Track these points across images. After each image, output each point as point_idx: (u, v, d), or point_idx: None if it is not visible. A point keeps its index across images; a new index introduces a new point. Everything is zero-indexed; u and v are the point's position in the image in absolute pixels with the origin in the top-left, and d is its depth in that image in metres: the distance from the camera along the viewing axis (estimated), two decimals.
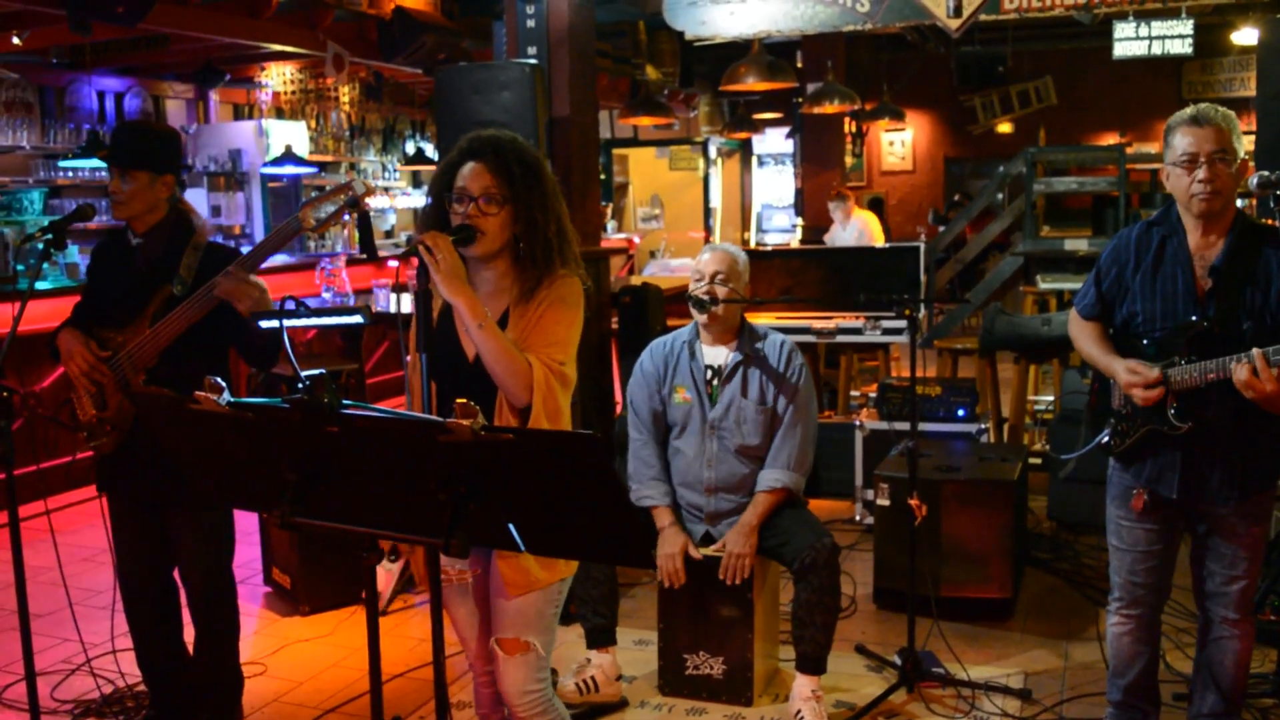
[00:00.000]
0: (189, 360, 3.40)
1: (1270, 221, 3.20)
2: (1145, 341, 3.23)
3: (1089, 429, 3.45)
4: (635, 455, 4.15)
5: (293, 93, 11.31)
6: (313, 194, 3.23)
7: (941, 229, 13.95)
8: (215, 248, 3.56)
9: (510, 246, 2.80)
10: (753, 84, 8.83)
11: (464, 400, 1.97)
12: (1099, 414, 3.40)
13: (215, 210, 10.76)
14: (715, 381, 4.07)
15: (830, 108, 10.41)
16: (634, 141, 15.75)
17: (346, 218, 3.22)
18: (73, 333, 3.48)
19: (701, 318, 4.02)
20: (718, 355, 4.08)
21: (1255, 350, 2.93)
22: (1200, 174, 3.07)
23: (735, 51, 9.48)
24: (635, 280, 8.47)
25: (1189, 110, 3.13)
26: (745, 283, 4.09)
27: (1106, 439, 3.36)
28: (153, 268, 3.47)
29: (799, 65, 11.65)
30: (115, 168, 3.44)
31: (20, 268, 7.64)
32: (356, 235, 9.79)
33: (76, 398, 3.49)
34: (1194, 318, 3.12)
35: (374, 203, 13.05)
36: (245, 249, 3.48)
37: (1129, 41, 6.01)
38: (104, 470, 3.59)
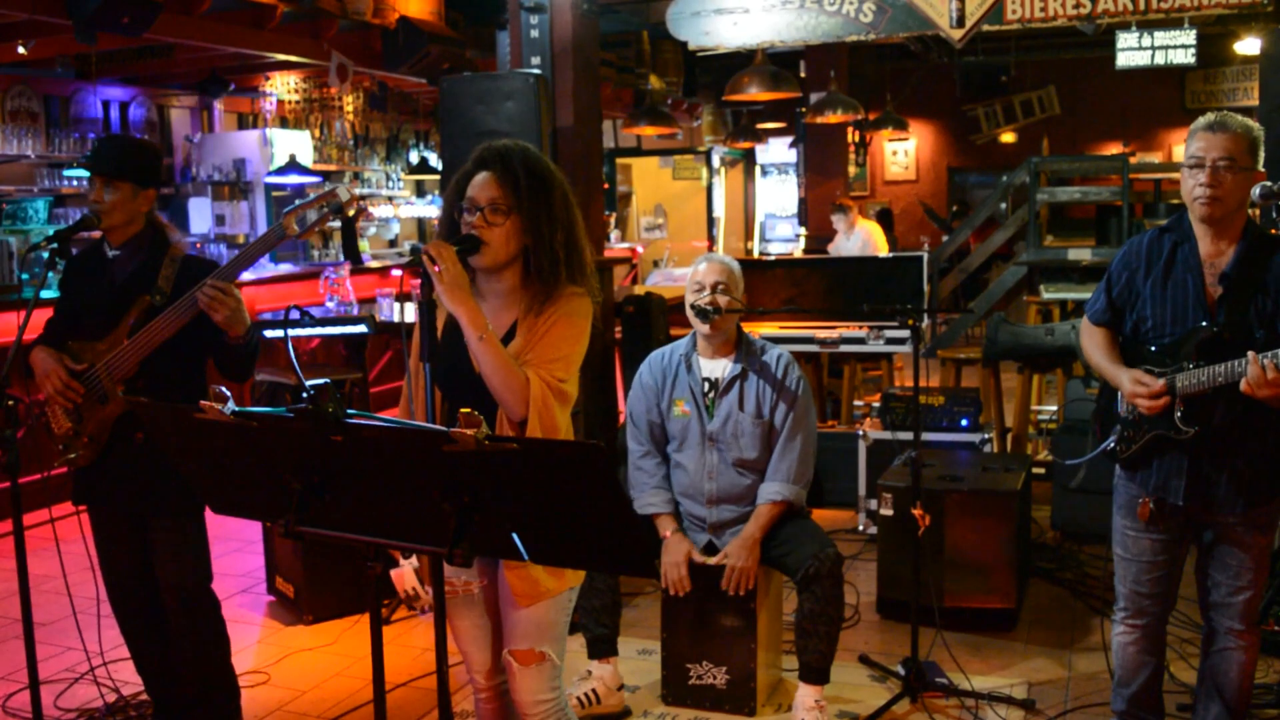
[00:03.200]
0: (168, 371, 3.41)
1: (1274, 231, 3.20)
2: (1154, 348, 3.23)
3: (1095, 436, 3.45)
4: (635, 465, 4.16)
5: (297, 102, 11.35)
6: (295, 201, 3.24)
7: (936, 224, 13.96)
8: (193, 260, 3.57)
9: (520, 259, 2.79)
10: (756, 94, 8.83)
11: (468, 410, 1.98)
12: (1105, 421, 3.40)
13: (219, 219, 10.78)
14: (712, 394, 4.07)
15: (833, 117, 10.41)
16: (637, 151, 15.77)
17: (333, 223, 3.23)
18: (45, 350, 3.48)
19: (704, 328, 4.02)
20: (715, 368, 4.08)
21: (1267, 360, 2.92)
22: (1201, 177, 3.09)
23: (739, 61, 9.50)
24: (639, 290, 8.47)
25: (1210, 115, 3.14)
26: (742, 292, 4.10)
27: (1112, 445, 3.35)
28: (130, 279, 3.47)
29: (802, 75, 11.66)
30: (98, 177, 3.44)
31: (25, 276, 7.65)
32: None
33: (51, 412, 3.49)
34: (1203, 323, 3.13)
35: (378, 212, 13.07)
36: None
37: (1132, 51, 6.01)
38: (81, 482, 3.58)
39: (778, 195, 16.31)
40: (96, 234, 3.54)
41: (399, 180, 13.70)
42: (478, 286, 2.79)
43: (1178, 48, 5.93)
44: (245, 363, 3.47)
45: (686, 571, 3.96)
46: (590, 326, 2.81)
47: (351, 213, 3.22)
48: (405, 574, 2.94)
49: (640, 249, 14.73)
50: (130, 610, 3.71)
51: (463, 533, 2.03)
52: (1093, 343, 3.40)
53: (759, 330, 6.53)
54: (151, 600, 3.68)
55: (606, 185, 14.22)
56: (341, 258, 10.75)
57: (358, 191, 12.76)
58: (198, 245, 10.43)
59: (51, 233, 3.43)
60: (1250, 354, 2.94)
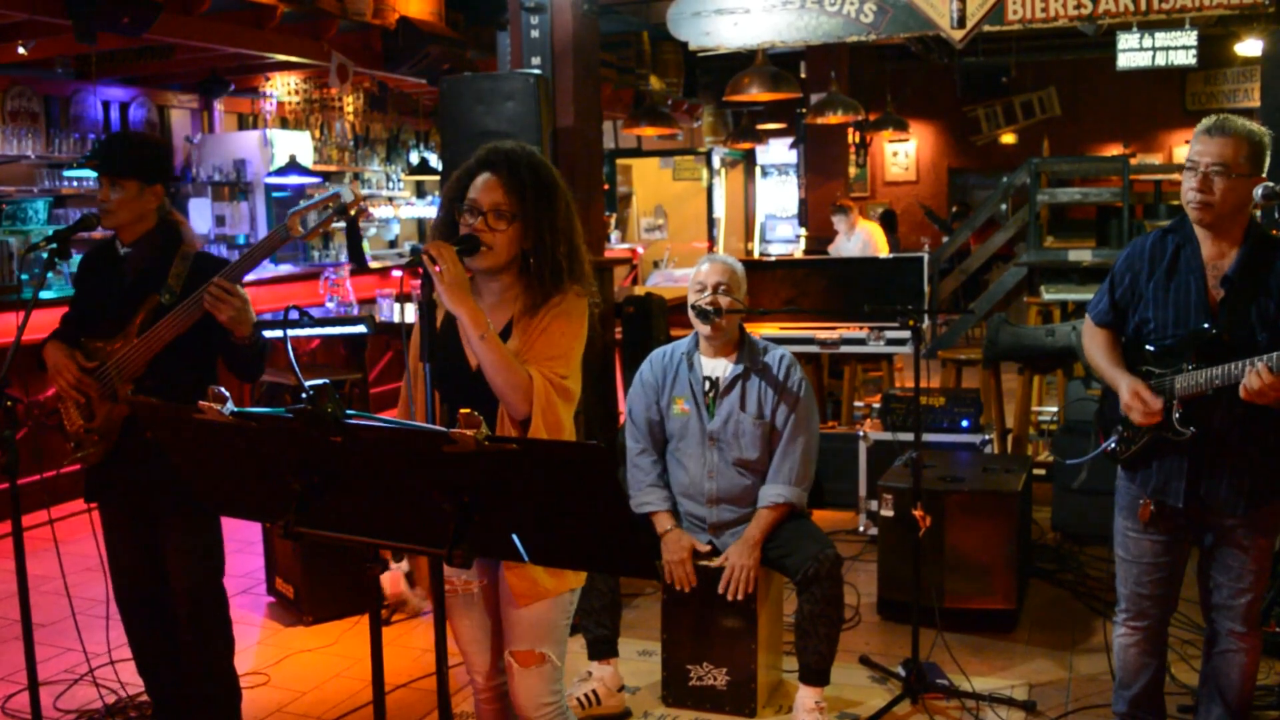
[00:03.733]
0: (177, 370, 3.40)
1: (1276, 232, 3.18)
2: (1155, 349, 3.22)
3: (1096, 437, 3.45)
4: (632, 463, 4.15)
5: (297, 103, 11.34)
6: (301, 202, 3.23)
7: (937, 226, 13.96)
8: (204, 257, 3.55)
9: (518, 260, 2.78)
10: (756, 94, 8.82)
11: (468, 410, 1.97)
12: (1107, 421, 3.39)
13: (220, 220, 10.78)
14: (713, 394, 4.06)
15: (834, 118, 10.40)
16: (638, 152, 15.76)
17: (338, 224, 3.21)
18: (58, 346, 3.47)
19: (705, 328, 4.01)
20: (717, 367, 4.08)
21: (1260, 363, 2.92)
22: (1193, 181, 3.08)
23: (739, 62, 9.49)
24: (639, 290, 8.46)
25: (1212, 119, 3.12)
26: (745, 293, 4.09)
27: (1113, 445, 3.35)
28: (141, 277, 3.46)
29: (803, 76, 11.66)
30: (104, 176, 3.42)
31: (25, 277, 7.64)
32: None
33: (64, 409, 3.49)
34: (1205, 326, 3.12)
35: (378, 212, 13.06)
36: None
37: (1133, 52, 6.01)
38: (93, 480, 3.58)
39: (778, 196, 16.31)
40: (97, 234, 3.53)
41: (399, 181, 13.70)
42: (475, 286, 2.78)
43: (1179, 49, 5.93)
44: (254, 362, 3.46)
45: (691, 568, 3.95)
46: (587, 325, 2.81)
47: (353, 212, 3.21)
48: (393, 578, 2.93)
49: (640, 250, 14.73)
50: (135, 609, 3.70)
51: (462, 533, 2.02)
52: (1094, 344, 3.39)
53: (760, 331, 6.53)
54: (157, 600, 3.68)
55: (606, 186, 14.22)
56: (342, 258, 10.75)
57: (360, 192, 12.74)
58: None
59: (51, 233, 3.42)
60: (1247, 366, 2.94)
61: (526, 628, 2.78)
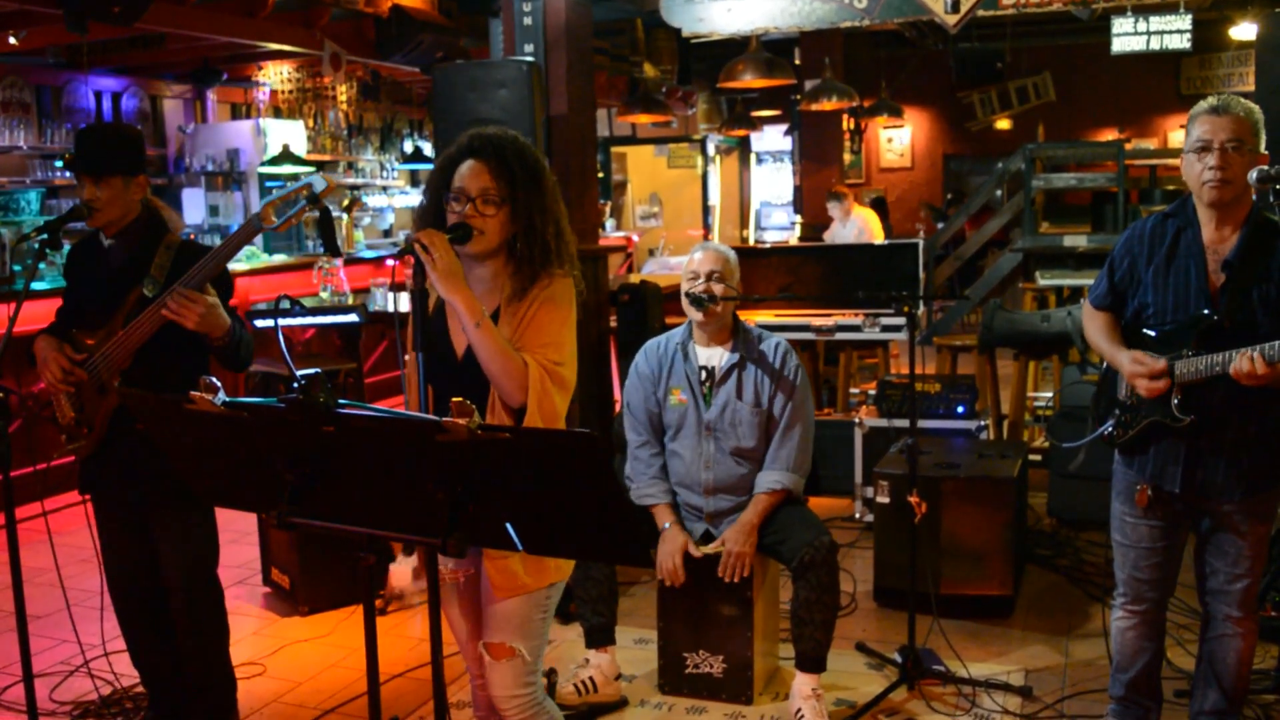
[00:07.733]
0: (166, 361, 3.38)
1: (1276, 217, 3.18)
2: (1154, 334, 3.21)
3: (1093, 421, 3.44)
4: (634, 456, 4.14)
5: (290, 92, 11.30)
6: (273, 192, 3.21)
7: (940, 225, 13.98)
8: (189, 246, 3.53)
9: (506, 245, 2.77)
10: (751, 81, 8.81)
11: (460, 399, 1.96)
12: (1104, 405, 3.39)
13: (213, 210, 10.74)
14: (709, 383, 4.05)
15: (828, 105, 10.40)
16: (632, 139, 15.72)
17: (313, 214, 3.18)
18: (47, 339, 3.46)
19: (698, 316, 4.00)
20: (712, 356, 4.07)
21: (1255, 352, 2.92)
22: (1211, 160, 3.06)
23: (733, 49, 9.46)
24: (634, 278, 8.44)
25: (1211, 99, 3.12)
26: (738, 280, 4.08)
27: (1110, 430, 3.34)
28: (125, 269, 3.44)
29: (797, 62, 11.65)
30: (86, 176, 3.38)
31: (17, 268, 7.62)
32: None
33: (55, 401, 3.48)
34: (1205, 311, 3.11)
35: (371, 201, 13.02)
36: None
37: (1127, 37, 5.99)
38: (86, 472, 3.57)
39: (773, 183, 16.28)
40: (88, 224, 3.51)
41: (393, 170, 13.66)
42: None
43: (1173, 33, 5.91)
44: (234, 357, 3.44)
45: (681, 562, 3.95)
46: (575, 308, 2.79)
47: (345, 205, 3.20)
48: (399, 572, 2.93)
49: (636, 238, 14.70)
50: (130, 602, 3.70)
51: (456, 522, 2.02)
52: (1094, 326, 3.39)
53: (755, 318, 6.52)
54: (152, 592, 3.67)
55: (601, 174, 14.18)
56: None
57: (349, 181, 12.71)
58: (191, 236, 10.38)
59: (42, 224, 3.40)
60: (1244, 350, 2.94)
61: (500, 621, 2.78)
